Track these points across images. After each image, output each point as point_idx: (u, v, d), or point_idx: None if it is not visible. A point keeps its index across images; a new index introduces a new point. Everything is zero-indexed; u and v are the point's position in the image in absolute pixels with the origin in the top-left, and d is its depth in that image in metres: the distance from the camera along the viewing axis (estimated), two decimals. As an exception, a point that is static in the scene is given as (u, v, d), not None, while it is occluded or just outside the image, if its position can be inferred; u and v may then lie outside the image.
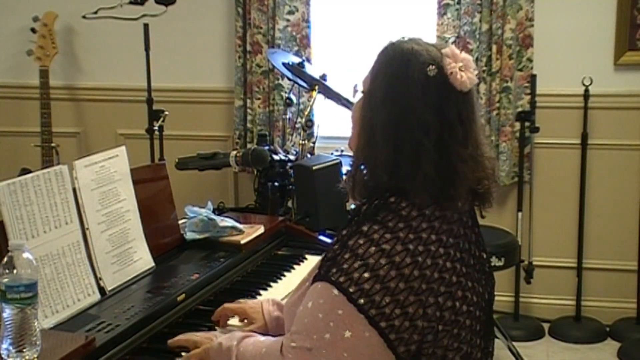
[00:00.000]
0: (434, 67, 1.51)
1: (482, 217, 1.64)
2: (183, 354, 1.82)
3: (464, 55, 1.54)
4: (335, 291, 1.45)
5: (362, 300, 1.43)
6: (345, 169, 3.02)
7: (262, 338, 1.69)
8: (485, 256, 1.64)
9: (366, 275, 1.44)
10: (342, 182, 1.65)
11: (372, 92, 1.56)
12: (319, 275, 1.50)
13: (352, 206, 1.86)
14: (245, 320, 1.96)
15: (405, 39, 1.58)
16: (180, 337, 1.82)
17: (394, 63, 1.54)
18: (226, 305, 1.98)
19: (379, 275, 1.44)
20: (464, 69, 1.52)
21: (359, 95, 1.62)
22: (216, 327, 1.96)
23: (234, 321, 1.98)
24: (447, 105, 1.51)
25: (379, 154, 1.52)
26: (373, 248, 1.46)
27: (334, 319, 1.45)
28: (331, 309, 1.45)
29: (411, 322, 1.45)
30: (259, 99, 4.11)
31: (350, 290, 1.44)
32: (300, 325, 1.50)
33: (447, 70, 1.51)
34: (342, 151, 3.52)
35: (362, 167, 1.58)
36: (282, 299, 2.10)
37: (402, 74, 1.52)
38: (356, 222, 1.52)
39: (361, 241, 1.48)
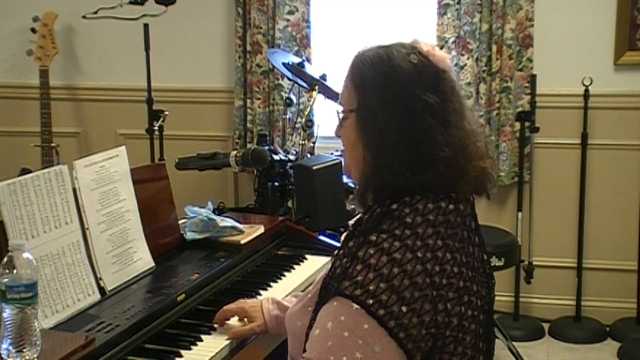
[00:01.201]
0: (414, 55, 1.54)
1: (488, 198, 1.63)
2: (182, 352, 1.82)
3: (427, 41, 1.60)
4: (355, 305, 1.41)
5: (381, 312, 1.40)
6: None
7: None
8: (485, 258, 1.64)
9: (382, 285, 1.41)
10: (351, 204, 1.64)
11: (365, 102, 1.55)
12: (332, 291, 1.46)
13: (352, 206, 1.85)
14: (245, 319, 1.97)
15: (367, 47, 1.60)
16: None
17: (376, 64, 1.55)
18: (226, 307, 1.98)
19: (394, 285, 1.42)
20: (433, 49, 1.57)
21: (342, 115, 1.61)
22: (216, 327, 1.97)
23: (234, 320, 1.99)
24: (440, 84, 1.54)
25: (396, 152, 1.51)
26: (385, 257, 1.44)
27: (361, 335, 1.40)
28: (355, 325, 1.41)
29: (427, 330, 1.44)
30: (259, 99, 4.11)
31: (369, 302, 1.40)
32: (323, 349, 1.43)
33: (426, 54, 1.55)
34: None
35: (376, 175, 1.54)
36: (282, 299, 2.10)
37: (391, 70, 1.53)
38: (360, 232, 1.50)
39: (371, 251, 1.45)
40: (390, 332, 1.40)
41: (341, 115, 1.62)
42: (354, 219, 1.57)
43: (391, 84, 1.53)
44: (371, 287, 1.41)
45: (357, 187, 1.61)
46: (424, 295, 1.43)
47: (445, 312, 1.46)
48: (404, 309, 1.41)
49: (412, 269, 1.44)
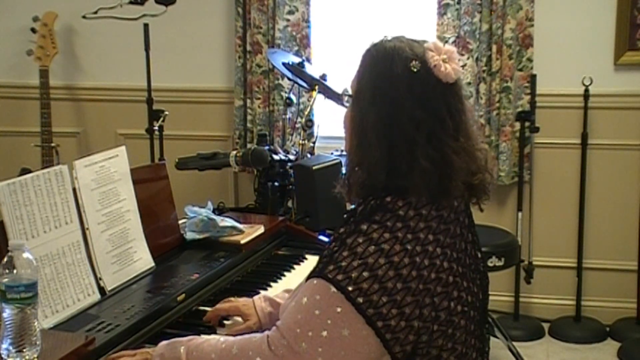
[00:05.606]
0: (417, 62, 1.52)
1: (481, 210, 1.64)
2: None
3: (447, 47, 1.56)
4: (333, 289, 1.45)
5: (360, 300, 1.43)
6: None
7: (219, 338, 1.62)
8: (480, 255, 1.65)
9: (365, 274, 1.44)
10: (337, 186, 1.65)
11: (359, 93, 1.57)
12: (315, 271, 1.50)
13: (352, 206, 1.86)
14: (239, 318, 1.96)
15: (389, 37, 1.60)
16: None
17: (378, 62, 1.55)
18: (218, 306, 1.97)
19: (377, 275, 1.44)
20: (447, 60, 1.53)
21: (349, 99, 1.64)
22: (216, 327, 1.97)
23: (234, 320, 1.98)
24: (434, 99, 1.52)
25: (373, 153, 1.53)
26: (372, 247, 1.47)
27: (331, 316, 1.44)
28: (329, 306, 1.44)
29: (407, 322, 1.45)
30: (259, 99, 4.11)
31: (349, 288, 1.44)
32: (292, 321, 1.48)
33: (431, 63, 1.53)
34: (342, 151, 3.52)
35: (357, 168, 1.57)
36: (274, 296, 2.10)
37: (387, 72, 1.53)
38: (354, 222, 1.53)
39: (360, 240, 1.48)
40: (367, 320, 1.43)
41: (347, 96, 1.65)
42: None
43: (383, 87, 1.53)
44: (353, 274, 1.44)
45: (344, 170, 1.64)
46: (406, 288, 1.45)
47: (431, 306, 1.48)
48: (384, 299, 1.44)
49: (399, 260, 1.46)
